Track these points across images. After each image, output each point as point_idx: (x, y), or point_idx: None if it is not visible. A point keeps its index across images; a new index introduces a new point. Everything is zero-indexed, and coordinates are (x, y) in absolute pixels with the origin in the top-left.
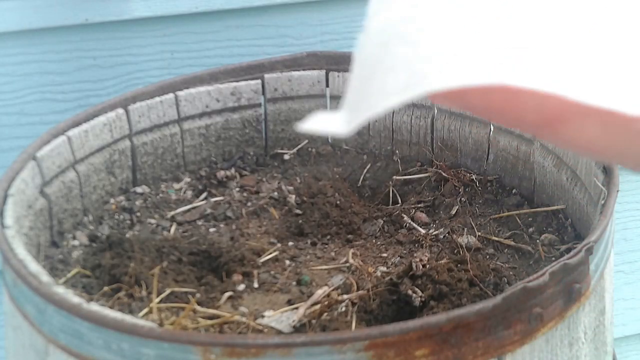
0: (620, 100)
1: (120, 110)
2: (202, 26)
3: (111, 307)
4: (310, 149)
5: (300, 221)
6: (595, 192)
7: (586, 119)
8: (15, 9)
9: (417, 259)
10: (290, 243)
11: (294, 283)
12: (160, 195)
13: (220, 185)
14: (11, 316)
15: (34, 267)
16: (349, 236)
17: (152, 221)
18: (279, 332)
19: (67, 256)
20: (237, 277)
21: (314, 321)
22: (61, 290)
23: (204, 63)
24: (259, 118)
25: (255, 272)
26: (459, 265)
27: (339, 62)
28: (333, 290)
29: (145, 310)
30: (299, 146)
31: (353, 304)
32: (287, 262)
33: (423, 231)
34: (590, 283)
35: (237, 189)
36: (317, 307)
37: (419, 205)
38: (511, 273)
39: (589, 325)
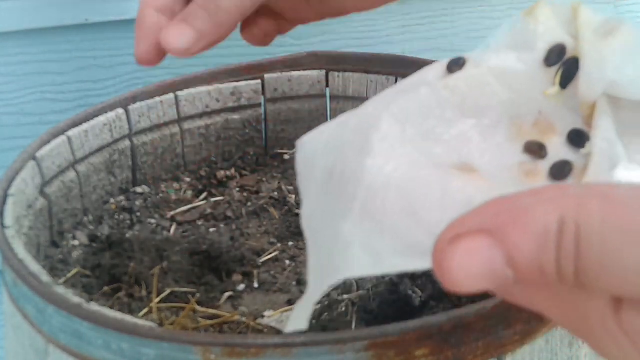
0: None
1: (120, 110)
2: None
3: (111, 307)
4: None
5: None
6: None
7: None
8: (15, 9)
9: None
10: (290, 243)
11: (294, 283)
12: (160, 195)
13: (220, 185)
14: (11, 316)
15: (34, 267)
16: None
17: (152, 221)
18: (279, 332)
19: (67, 256)
20: (237, 277)
21: (314, 321)
22: (61, 290)
23: (204, 63)
24: (259, 118)
25: (255, 272)
26: None
27: (339, 62)
28: (333, 290)
29: (145, 310)
30: None
31: (353, 304)
32: (287, 262)
33: None
34: None
35: (237, 189)
36: (317, 307)
37: None
38: None
39: None
